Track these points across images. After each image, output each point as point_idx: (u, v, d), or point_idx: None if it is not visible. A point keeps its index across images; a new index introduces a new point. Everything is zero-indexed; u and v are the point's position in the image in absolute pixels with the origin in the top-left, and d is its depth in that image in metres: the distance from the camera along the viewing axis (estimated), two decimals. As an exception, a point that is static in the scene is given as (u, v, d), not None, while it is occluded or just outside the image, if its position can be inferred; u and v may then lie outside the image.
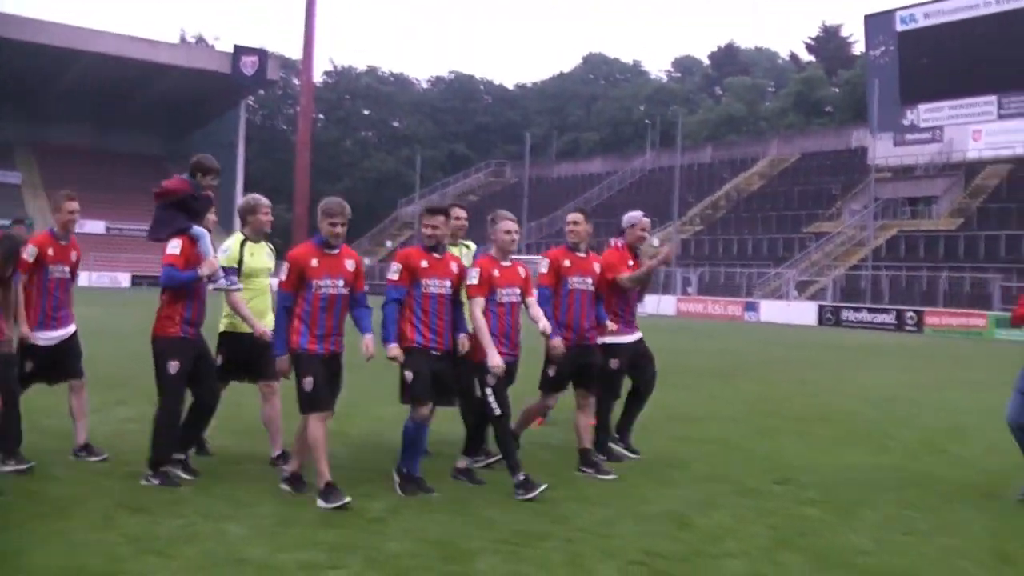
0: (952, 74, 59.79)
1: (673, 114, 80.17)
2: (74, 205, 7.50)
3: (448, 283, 6.88)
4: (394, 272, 6.82)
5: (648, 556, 5.50)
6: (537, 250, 62.39)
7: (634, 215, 8.45)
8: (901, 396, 14.98)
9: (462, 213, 8.01)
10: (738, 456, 8.72)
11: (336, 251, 6.62)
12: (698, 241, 63.68)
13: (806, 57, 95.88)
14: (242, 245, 7.44)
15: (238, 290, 7.20)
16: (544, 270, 7.64)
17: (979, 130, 60.07)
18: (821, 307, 45.70)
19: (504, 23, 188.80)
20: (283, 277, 6.53)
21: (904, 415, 12.54)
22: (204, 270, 6.83)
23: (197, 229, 6.97)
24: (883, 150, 62.91)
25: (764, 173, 72.76)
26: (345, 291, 6.61)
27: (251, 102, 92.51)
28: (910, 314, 41.73)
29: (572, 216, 7.86)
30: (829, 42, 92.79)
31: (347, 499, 6.24)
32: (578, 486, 7.29)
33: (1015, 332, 37.68)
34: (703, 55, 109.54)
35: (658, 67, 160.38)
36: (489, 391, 6.93)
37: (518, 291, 7.22)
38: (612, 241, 8.50)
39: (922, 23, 62.53)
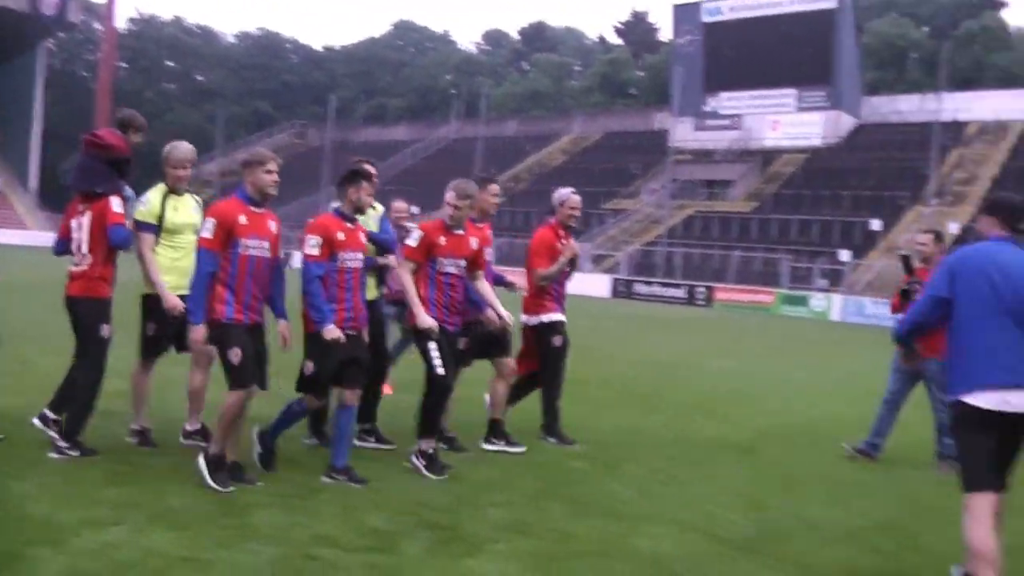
0: (754, 66, 61.18)
1: (479, 85, 78.72)
2: None
3: (361, 255, 6.29)
4: (313, 246, 6.08)
5: (417, 506, 5.63)
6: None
7: (563, 192, 8.16)
8: (681, 363, 15.69)
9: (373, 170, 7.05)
10: (515, 416, 8.12)
11: (263, 209, 5.99)
12: (499, 213, 61.80)
13: (614, 40, 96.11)
14: (164, 197, 6.72)
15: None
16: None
17: (778, 120, 61.91)
18: (615, 280, 46.35)
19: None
20: (207, 235, 5.80)
21: (681, 380, 13.15)
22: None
23: (129, 190, 6.62)
24: (683, 134, 63.95)
25: (567, 149, 72.73)
26: (270, 255, 5.98)
27: (51, 45, 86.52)
28: (700, 289, 42.79)
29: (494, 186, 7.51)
30: (637, 27, 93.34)
31: (231, 488, 5.66)
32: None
33: (798, 308, 39.01)
34: (513, 30, 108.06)
35: (468, 39, 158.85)
36: (433, 346, 6.55)
37: (463, 263, 6.81)
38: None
39: (727, 16, 64.03)
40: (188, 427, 6.94)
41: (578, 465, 7.12)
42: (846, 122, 60.83)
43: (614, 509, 5.92)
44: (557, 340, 7.89)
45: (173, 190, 6.75)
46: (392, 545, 4.86)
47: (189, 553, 4.52)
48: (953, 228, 45.61)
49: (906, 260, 8.47)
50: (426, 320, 6.50)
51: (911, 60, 73.05)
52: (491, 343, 7.39)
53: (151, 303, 6.58)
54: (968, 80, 63.73)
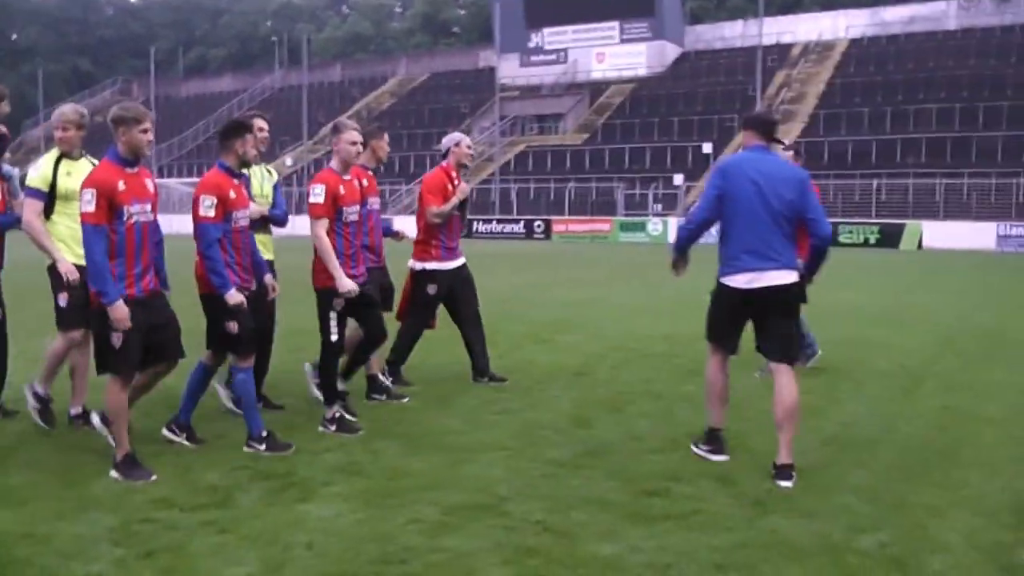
0: (575, 1, 61.62)
1: (301, 31, 76.72)
2: None
3: (247, 212, 6.04)
4: (209, 207, 5.75)
5: (252, 459, 5.67)
6: (168, 174, 57.92)
7: (455, 135, 8.24)
8: (516, 296, 15.70)
9: (264, 124, 6.89)
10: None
11: (137, 169, 5.44)
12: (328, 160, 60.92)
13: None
14: (56, 163, 6.32)
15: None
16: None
17: (603, 53, 62.49)
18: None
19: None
20: (88, 209, 5.18)
21: (518, 313, 13.14)
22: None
23: (7, 167, 6.59)
24: (510, 70, 64.06)
25: (395, 92, 71.94)
26: (152, 216, 5.52)
27: None
28: (538, 222, 43.35)
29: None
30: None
31: (153, 476, 5.31)
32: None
33: (636, 233, 39.93)
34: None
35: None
36: (333, 315, 6.39)
37: (357, 208, 6.61)
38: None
39: (545, -49, 64.03)
40: (72, 411, 6.53)
41: (409, 404, 7.21)
42: (671, 51, 62.17)
43: (446, 442, 6.04)
44: (431, 289, 7.82)
45: (66, 154, 6.33)
46: (228, 499, 4.89)
47: (29, 529, 4.45)
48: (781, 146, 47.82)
49: None
50: (347, 284, 6.26)
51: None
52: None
53: (58, 274, 6.17)
54: (789, 5, 66.29)
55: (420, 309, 7.92)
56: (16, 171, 6.40)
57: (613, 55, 62.06)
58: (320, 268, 6.38)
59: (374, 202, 7.23)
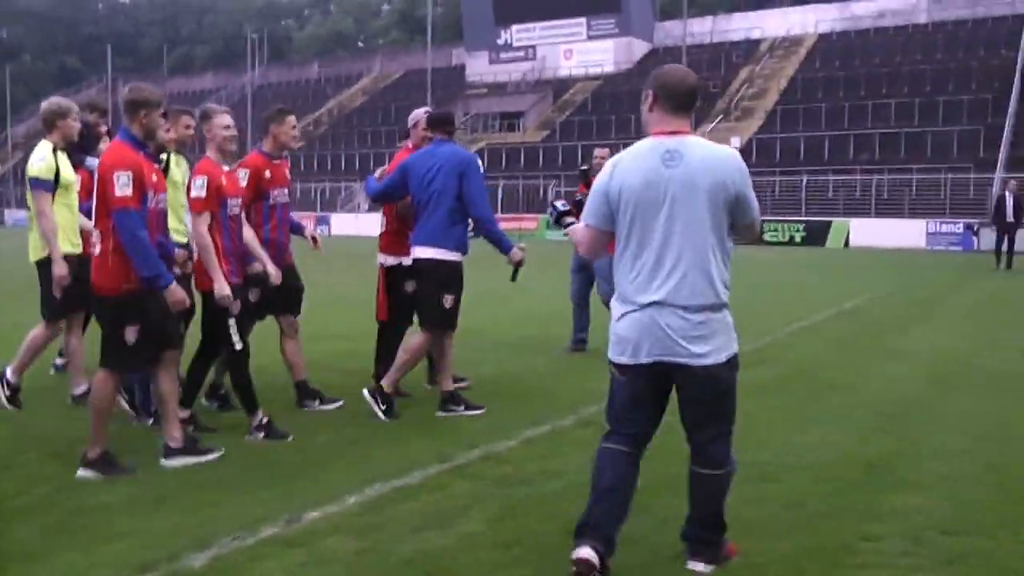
0: (543, -2, 61.05)
1: (285, 29, 76.46)
2: None
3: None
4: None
5: None
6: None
7: (417, 113, 7.55)
8: None
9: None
10: None
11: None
12: (295, 158, 60.67)
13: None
14: (54, 154, 6.55)
15: None
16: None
17: (570, 49, 61.89)
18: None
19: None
20: (124, 193, 4.96)
21: None
22: None
23: (90, 160, 6.69)
24: (479, 68, 64.24)
25: (367, 89, 71.70)
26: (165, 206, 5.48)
27: None
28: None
29: (291, 118, 6.81)
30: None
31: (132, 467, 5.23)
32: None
33: (560, 234, 39.36)
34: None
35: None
36: (232, 322, 5.90)
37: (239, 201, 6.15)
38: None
39: (513, -53, 63.47)
40: (77, 391, 6.84)
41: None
42: (639, 48, 61.43)
43: None
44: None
45: (59, 146, 6.62)
46: None
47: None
48: (735, 143, 46.92)
49: (584, 173, 9.59)
50: (225, 289, 5.75)
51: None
52: (280, 298, 6.68)
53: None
54: (761, 0, 65.36)
55: (401, 310, 7.25)
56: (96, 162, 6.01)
57: (581, 52, 61.48)
58: (199, 269, 5.97)
59: (279, 194, 6.69)
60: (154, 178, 5.31)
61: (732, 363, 3.81)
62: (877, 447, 5.85)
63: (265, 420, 6.06)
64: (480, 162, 6.97)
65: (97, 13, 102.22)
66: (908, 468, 5.41)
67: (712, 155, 3.72)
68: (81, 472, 5.12)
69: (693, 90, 3.82)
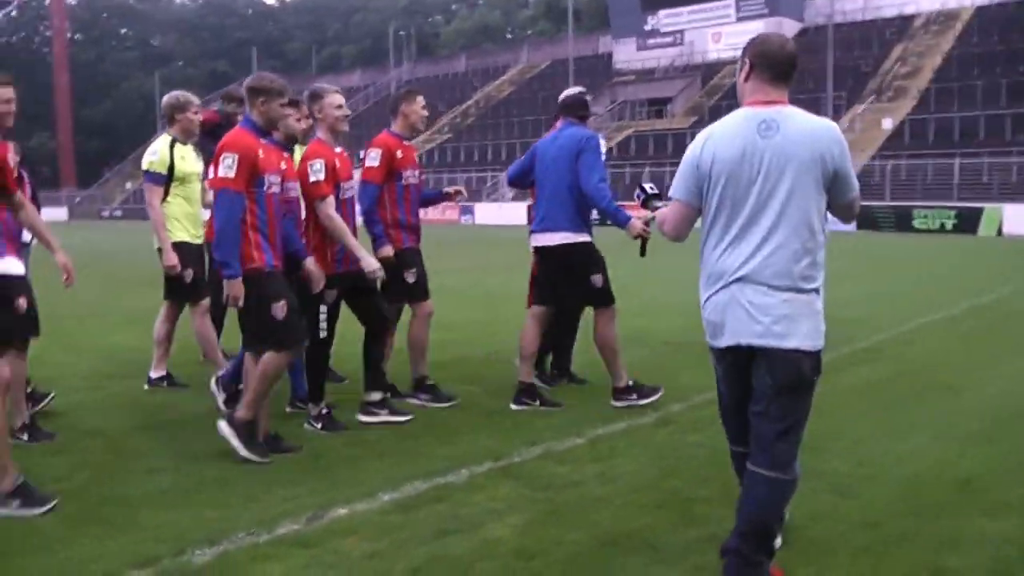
0: (690, -21, 59.93)
1: (433, 25, 77.55)
2: None
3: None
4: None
5: None
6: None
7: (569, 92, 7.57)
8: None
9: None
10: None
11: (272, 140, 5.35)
12: (442, 150, 61.57)
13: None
14: (171, 147, 6.81)
15: None
16: (376, 163, 6.32)
17: (719, 32, 60.25)
18: (530, 207, 45.03)
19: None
20: (226, 174, 4.97)
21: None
22: None
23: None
24: (626, 55, 63.27)
25: (514, 80, 71.61)
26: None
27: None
28: None
29: (421, 98, 6.70)
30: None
31: (269, 459, 5.12)
32: None
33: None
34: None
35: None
36: (324, 309, 5.80)
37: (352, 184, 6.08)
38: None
39: (658, -68, 62.57)
40: (154, 375, 7.09)
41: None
42: (789, 27, 59.27)
43: None
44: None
45: (177, 139, 6.88)
46: None
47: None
48: (887, 124, 44.70)
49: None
50: (373, 263, 5.85)
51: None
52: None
53: (180, 251, 6.75)
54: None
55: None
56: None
57: (730, 34, 59.70)
58: (322, 254, 5.77)
59: (411, 175, 6.53)
60: (282, 165, 5.30)
61: (816, 358, 3.45)
62: (977, 461, 5.14)
63: (325, 411, 5.87)
64: (602, 141, 6.66)
65: (246, 18, 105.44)
66: (1008, 487, 4.67)
67: (810, 127, 3.43)
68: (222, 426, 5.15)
69: (792, 58, 3.57)
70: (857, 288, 13.33)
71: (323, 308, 5.77)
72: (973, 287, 14.30)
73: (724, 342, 3.50)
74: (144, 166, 6.74)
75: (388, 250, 6.27)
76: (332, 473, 4.92)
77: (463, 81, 74.25)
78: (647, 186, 4.80)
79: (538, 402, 6.41)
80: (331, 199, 5.67)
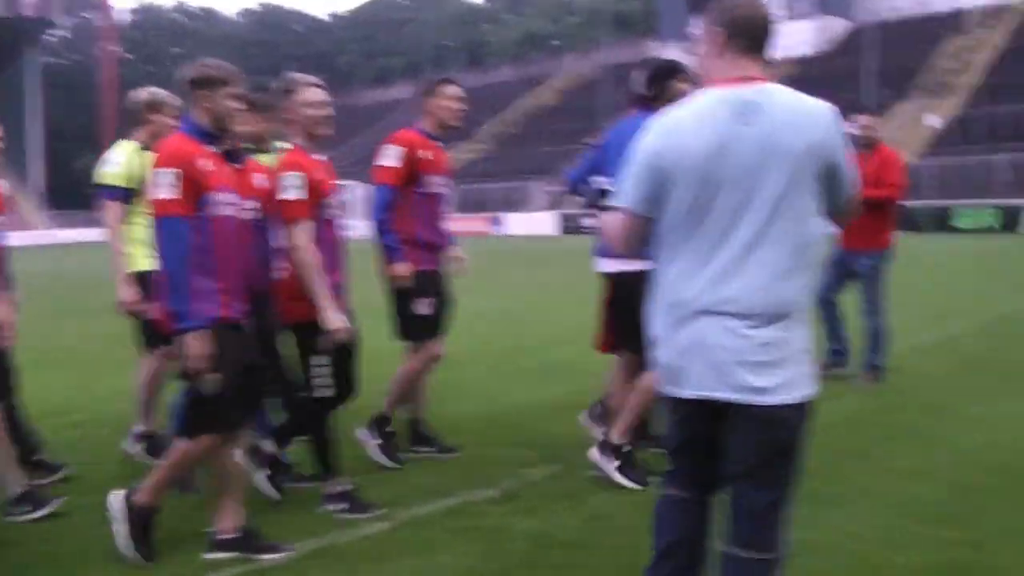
0: (735, -20, 59.08)
1: (483, 34, 77.78)
2: None
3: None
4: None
5: None
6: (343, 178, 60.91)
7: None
8: None
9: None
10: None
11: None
12: (486, 159, 61.57)
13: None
14: (136, 156, 5.34)
15: None
16: (393, 162, 5.21)
17: (769, 32, 59.36)
18: (564, 215, 46.25)
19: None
20: (172, 195, 3.76)
21: None
22: None
23: None
24: (674, 58, 61.57)
25: (560, 88, 71.38)
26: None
27: (53, 41, 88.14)
28: None
29: (451, 88, 5.46)
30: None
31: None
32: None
33: None
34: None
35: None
36: (325, 361, 4.47)
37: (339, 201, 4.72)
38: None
39: (703, -66, 61.70)
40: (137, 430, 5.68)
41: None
42: (839, 26, 58.50)
43: None
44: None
45: (150, 146, 5.29)
46: None
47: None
48: (932, 121, 43.54)
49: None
50: (336, 321, 4.38)
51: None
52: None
53: (143, 283, 5.19)
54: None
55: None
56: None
57: (780, 34, 58.68)
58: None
59: (438, 183, 5.42)
60: (250, 178, 4.25)
61: (804, 409, 2.74)
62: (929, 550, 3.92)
63: (350, 488, 4.63)
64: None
65: (296, 34, 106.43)
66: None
67: (804, 108, 2.71)
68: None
69: (768, 21, 2.84)
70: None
71: (323, 360, 4.47)
72: (996, 297, 13.07)
73: (687, 393, 2.79)
74: (99, 179, 5.37)
75: (403, 267, 5.13)
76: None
77: (507, 90, 74.23)
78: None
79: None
80: (306, 225, 4.35)
